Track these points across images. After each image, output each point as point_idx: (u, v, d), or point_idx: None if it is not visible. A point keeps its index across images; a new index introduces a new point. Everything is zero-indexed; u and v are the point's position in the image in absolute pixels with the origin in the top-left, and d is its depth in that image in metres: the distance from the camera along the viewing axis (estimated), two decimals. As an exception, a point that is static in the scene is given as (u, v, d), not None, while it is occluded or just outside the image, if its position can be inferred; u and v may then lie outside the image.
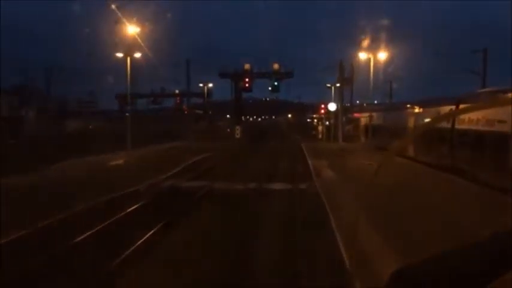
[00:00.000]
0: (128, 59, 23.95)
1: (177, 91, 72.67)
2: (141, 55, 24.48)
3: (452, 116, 22.42)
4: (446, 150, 21.74)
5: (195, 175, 21.25)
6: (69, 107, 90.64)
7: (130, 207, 13.33)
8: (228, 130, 62.74)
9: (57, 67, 52.76)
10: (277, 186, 18.82)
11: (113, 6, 23.65)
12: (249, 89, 56.45)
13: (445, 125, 21.69)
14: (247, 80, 54.96)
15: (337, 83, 43.87)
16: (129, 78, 24.23)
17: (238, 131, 57.43)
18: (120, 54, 24.14)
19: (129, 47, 24.03)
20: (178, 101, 75.42)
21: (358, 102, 63.62)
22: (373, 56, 23.60)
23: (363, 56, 23.96)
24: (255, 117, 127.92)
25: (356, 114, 54.90)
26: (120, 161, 24.12)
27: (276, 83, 54.89)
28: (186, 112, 70.63)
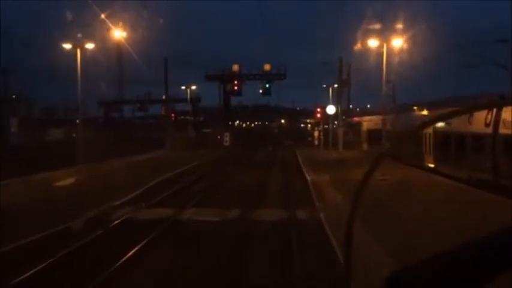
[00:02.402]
0: (78, 51, 19.05)
1: (164, 96, 67.66)
2: (94, 46, 19.60)
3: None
4: (484, 161, 16.98)
5: (160, 199, 16.36)
6: (56, 114, 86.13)
7: (25, 273, 8.07)
8: (218, 137, 57.87)
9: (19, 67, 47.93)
10: (266, 215, 13.96)
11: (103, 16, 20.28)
12: (238, 92, 51.74)
13: (483, 129, 16.99)
14: (235, 82, 50.28)
15: (336, 83, 39.18)
16: (79, 75, 19.29)
17: (227, 138, 52.69)
18: (68, 46, 19.24)
19: (79, 37, 19.17)
20: (165, 107, 70.72)
21: (351, 106, 58.92)
22: (386, 44, 18.88)
23: (373, 43, 19.26)
24: (248, 123, 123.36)
25: (355, 118, 50.35)
26: (71, 180, 19.20)
27: (267, 85, 50.29)
28: (173, 119, 66.33)
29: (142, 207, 14.84)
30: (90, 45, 19.53)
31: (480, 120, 17.09)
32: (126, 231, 11.99)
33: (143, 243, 10.46)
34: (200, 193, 17.91)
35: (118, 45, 43.45)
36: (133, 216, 13.64)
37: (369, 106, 66.68)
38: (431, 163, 22.83)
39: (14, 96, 75.82)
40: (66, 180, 19.00)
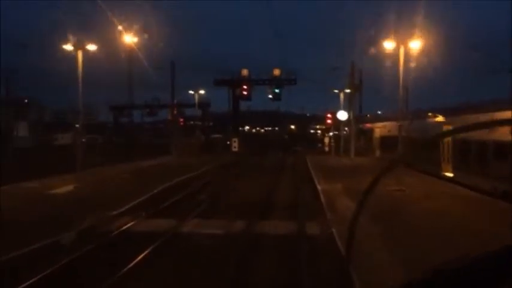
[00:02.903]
0: (80, 53, 18.17)
1: (172, 101, 66.90)
2: (97, 48, 18.74)
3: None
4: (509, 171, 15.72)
5: (161, 208, 15.37)
6: (67, 118, 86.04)
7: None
8: (228, 143, 57.01)
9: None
10: (273, 229, 12.90)
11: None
12: (248, 97, 50.63)
13: (508, 137, 15.76)
14: (245, 87, 49.20)
15: (348, 88, 38.01)
16: (80, 77, 18.39)
17: (235, 144, 51.64)
18: (69, 47, 18.39)
19: (80, 38, 18.30)
20: (175, 112, 70.17)
21: (361, 112, 57.49)
22: (403, 46, 17.58)
23: (388, 45, 18.03)
24: (258, 128, 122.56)
25: (367, 125, 49.10)
26: (69, 187, 18.26)
27: (277, 90, 49.15)
28: (182, 124, 65.79)
29: (141, 218, 13.85)
30: (92, 47, 18.66)
31: (504, 127, 15.87)
32: (119, 246, 10.99)
33: (136, 260, 9.45)
34: (204, 203, 16.90)
35: (128, 50, 42.93)
36: (130, 228, 12.65)
37: (379, 112, 65.45)
38: (450, 172, 21.59)
39: (25, 100, 75.84)
40: (64, 188, 18.06)
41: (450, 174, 21.56)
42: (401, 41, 17.38)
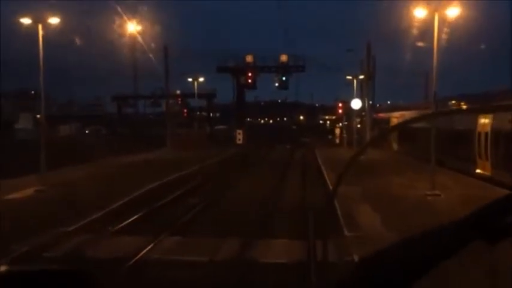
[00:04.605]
0: (40, 27, 15.00)
1: (178, 91, 64.04)
2: (58, 22, 15.55)
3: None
4: None
5: (137, 219, 12.29)
6: (73, 110, 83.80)
7: None
8: (234, 134, 54.03)
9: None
10: (274, 253, 9.74)
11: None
12: (253, 85, 47.37)
13: None
14: (250, 74, 45.91)
15: (363, 74, 34.64)
16: (41, 57, 15.24)
17: (240, 136, 48.46)
18: (27, 20, 15.24)
19: (40, 11, 15.14)
20: (179, 102, 67.44)
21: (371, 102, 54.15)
22: (437, 14, 14.16)
23: (419, 13, 14.70)
24: (266, 119, 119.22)
25: (381, 114, 45.76)
26: (29, 191, 15.22)
27: (284, 78, 45.84)
28: (185, 114, 63.08)
29: (104, 235, 10.76)
30: (54, 20, 15.49)
31: None
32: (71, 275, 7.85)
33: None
34: (193, 209, 13.82)
35: (133, 40, 40.27)
36: (85, 253, 9.53)
37: (389, 102, 62.36)
38: (487, 170, 18.15)
39: (32, 92, 73.65)
40: (23, 192, 15.00)
41: (486, 173, 18.17)
42: (436, 8, 13.95)
